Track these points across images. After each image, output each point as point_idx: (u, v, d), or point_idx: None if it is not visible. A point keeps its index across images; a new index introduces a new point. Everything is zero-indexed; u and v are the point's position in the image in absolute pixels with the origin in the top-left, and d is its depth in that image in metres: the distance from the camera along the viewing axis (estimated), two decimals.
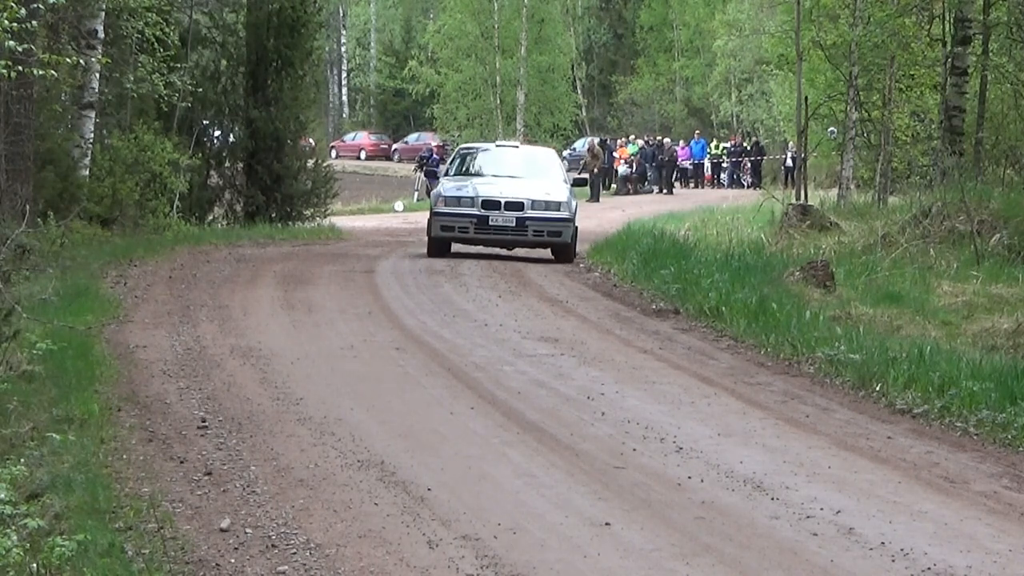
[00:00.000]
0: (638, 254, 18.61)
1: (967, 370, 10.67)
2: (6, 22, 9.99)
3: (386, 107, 76.33)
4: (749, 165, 53.64)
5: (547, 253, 20.86)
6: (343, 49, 78.29)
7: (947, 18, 27.33)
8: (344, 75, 79.32)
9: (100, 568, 6.12)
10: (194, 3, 27.85)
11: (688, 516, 7.32)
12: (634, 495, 7.70)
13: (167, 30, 24.14)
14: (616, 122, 65.71)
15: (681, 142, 56.13)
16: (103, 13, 22.39)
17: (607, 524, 7.09)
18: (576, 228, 20.87)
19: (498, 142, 26.17)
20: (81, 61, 17.62)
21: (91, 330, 12.25)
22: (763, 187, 41.25)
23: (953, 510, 7.59)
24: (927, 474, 8.41)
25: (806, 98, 29.08)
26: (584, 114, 65.36)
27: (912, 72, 30.09)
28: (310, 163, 28.66)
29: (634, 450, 8.75)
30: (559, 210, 20.49)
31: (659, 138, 55.01)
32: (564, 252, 20.54)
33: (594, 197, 44.03)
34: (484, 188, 20.72)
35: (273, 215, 27.13)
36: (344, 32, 78.47)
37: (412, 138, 68.87)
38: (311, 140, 30.33)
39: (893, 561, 6.64)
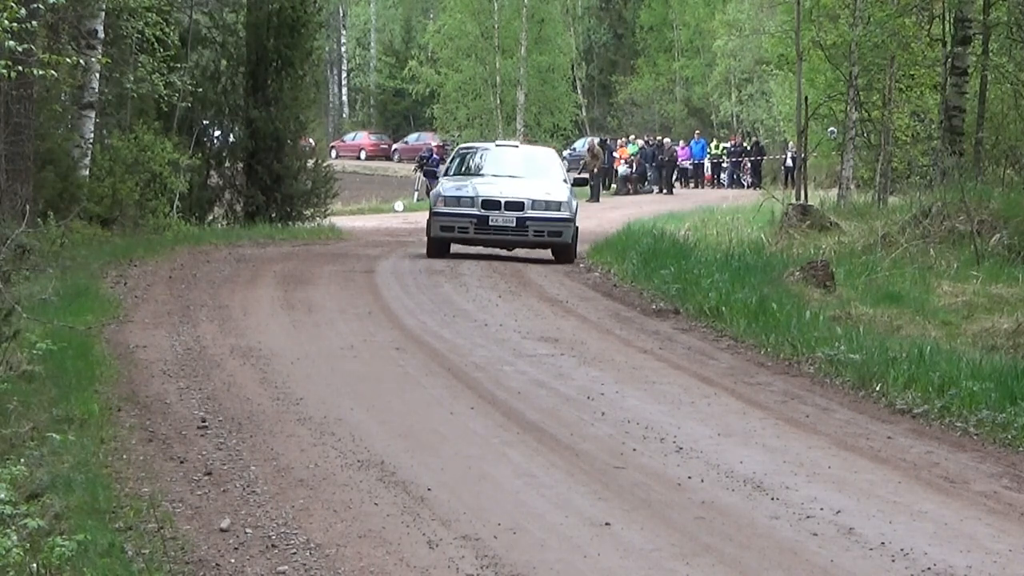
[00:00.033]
0: (638, 254, 18.61)
1: (967, 370, 10.67)
2: (6, 22, 9.99)
3: (386, 107, 76.33)
4: (749, 165, 53.64)
5: (547, 253, 20.82)
6: (343, 49, 78.29)
7: (947, 18, 27.33)
8: (344, 75, 79.32)
9: (100, 568, 6.12)
10: (194, 3, 27.85)
11: (688, 516, 7.32)
12: (634, 495, 7.70)
13: (167, 30, 24.14)
14: (616, 122, 65.71)
15: (681, 142, 56.14)
16: (103, 13, 22.39)
17: (607, 524, 7.09)
18: (577, 228, 20.82)
19: (498, 142, 26.12)
20: (81, 61, 17.62)
21: (91, 330, 12.25)
22: (763, 187, 41.25)
23: (953, 510, 7.60)
24: (927, 474, 8.41)
25: (806, 98, 29.09)
26: (584, 114, 65.36)
27: (912, 72, 30.09)
28: (310, 163, 28.66)
29: (634, 450, 8.75)
30: (559, 210, 20.43)
31: (659, 138, 55.02)
32: (564, 252, 20.48)
33: (594, 197, 44.04)
34: (484, 188, 20.66)
35: (273, 215, 27.13)
36: (344, 32, 78.47)
37: (412, 138, 68.87)
38: (311, 140, 30.33)
39: (893, 561, 6.64)
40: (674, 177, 52.67)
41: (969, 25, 24.88)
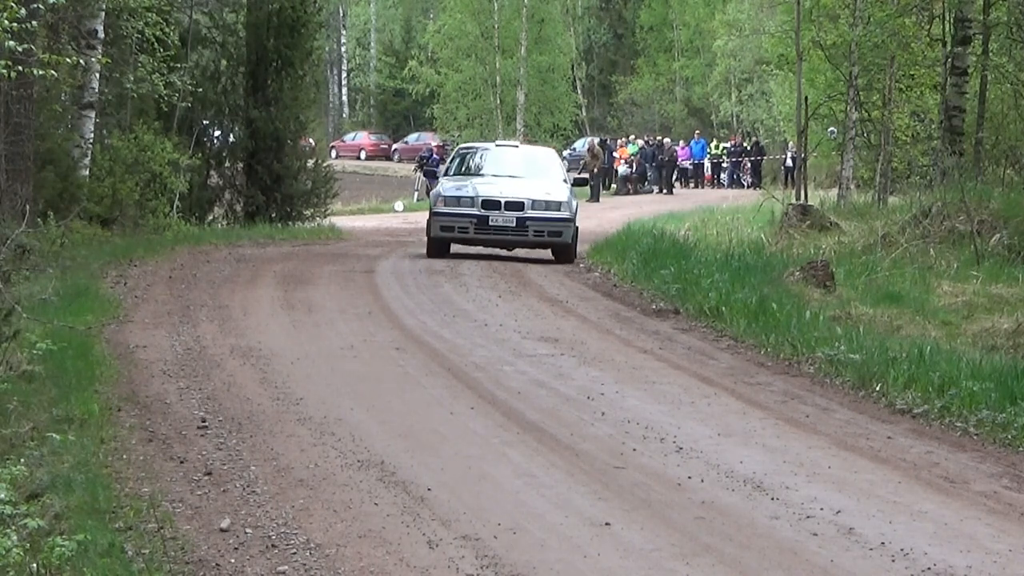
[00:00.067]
0: (638, 254, 18.61)
1: (967, 370, 10.67)
2: (6, 22, 9.99)
3: (386, 107, 76.33)
4: (749, 165, 53.64)
5: (547, 253, 20.79)
6: (343, 49, 78.29)
7: (947, 18, 27.33)
8: (344, 75, 79.31)
9: (100, 568, 6.12)
10: (194, 3, 27.85)
11: (688, 516, 7.32)
12: (634, 495, 7.70)
13: (167, 30, 24.14)
14: (616, 122, 65.71)
15: (681, 142, 56.13)
16: (103, 13, 22.39)
17: (607, 524, 7.09)
18: (577, 228, 20.78)
19: (498, 142, 26.09)
20: (81, 61, 17.62)
21: (91, 330, 12.25)
22: (763, 187, 41.25)
23: (953, 510, 7.60)
24: (927, 474, 8.41)
25: (806, 98, 29.09)
26: (584, 114, 65.37)
27: (912, 72, 30.09)
28: (310, 163, 28.66)
29: (634, 450, 8.75)
30: (560, 210, 20.39)
31: (659, 138, 55.02)
32: (565, 253, 20.44)
33: (594, 197, 44.04)
34: (484, 188, 20.62)
35: (273, 215, 27.13)
36: (344, 32, 78.47)
37: (412, 138, 68.87)
38: (311, 140, 30.33)
39: (893, 561, 6.64)
40: (674, 177, 52.67)
41: (969, 25, 24.88)
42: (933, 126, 29.01)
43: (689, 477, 8.10)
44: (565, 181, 21.48)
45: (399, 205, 43.08)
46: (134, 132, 23.81)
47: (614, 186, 51.40)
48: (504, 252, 20.93)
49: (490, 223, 20.25)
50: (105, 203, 22.24)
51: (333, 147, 64.01)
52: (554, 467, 8.27)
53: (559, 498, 7.58)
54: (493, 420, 9.56)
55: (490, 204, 20.31)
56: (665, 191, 50.82)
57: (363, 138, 72.24)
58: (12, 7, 10.05)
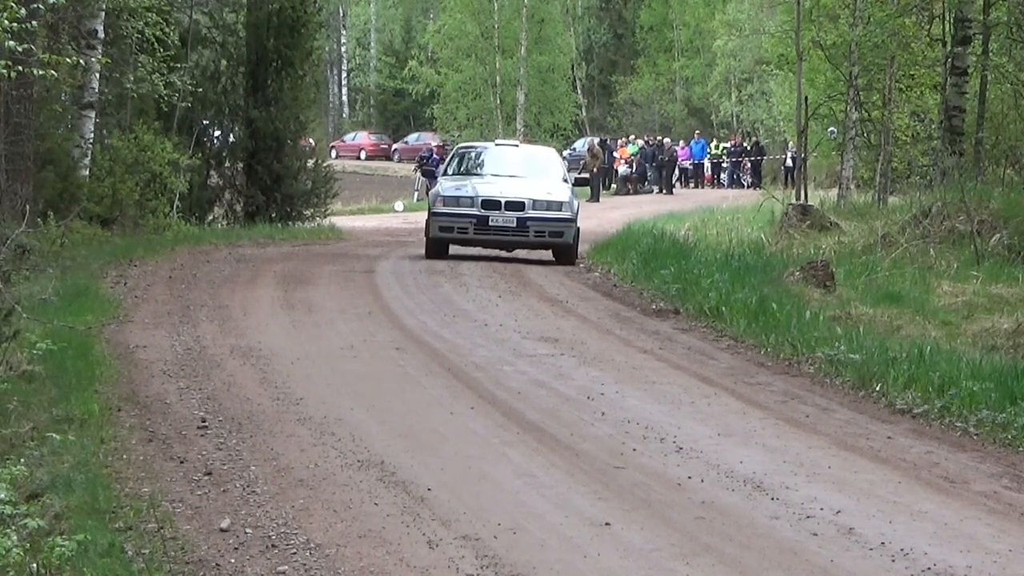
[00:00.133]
0: (638, 254, 18.61)
1: (967, 370, 10.67)
2: (6, 22, 9.99)
3: (386, 107, 76.33)
4: (749, 165, 53.65)
5: (547, 254, 20.70)
6: (343, 49, 78.29)
7: (947, 18, 27.33)
8: (344, 75, 79.31)
9: (100, 568, 6.12)
10: (194, 3, 27.85)
11: (688, 516, 7.32)
12: (634, 495, 7.70)
13: (167, 30, 24.14)
14: (616, 122, 65.71)
15: (681, 142, 56.14)
16: (103, 13, 22.39)
17: (607, 524, 7.09)
18: (578, 229, 20.60)
19: (497, 141, 25.96)
20: (81, 61, 17.62)
21: (91, 330, 12.25)
22: (763, 187, 41.25)
23: (953, 510, 7.59)
24: (927, 474, 8.41)
25: (806, 98, 29.09)
26: (584, 114, 65.37)
27: (912, 72, 30.10)
28: (310, 163, 28.67)
29: (634, 450, 8.75)
30: (561, 210, 20.21)
31: (659, 138, 55.02)
32: (566, 253, 20.27)
33: (594, 197, 44.04)
34: (484, 188, 20.45)
35: (273, 215, 27.14)
36: (344, 32, 78.47)
37: (412, 138, 68.86)
38: (311, 140, 30.33)
39: (893, 561, 6.64)
40: (674, 177, 52.66)
41: (969, 25, 24.88)
42: (933, 126, 29.01)
43: (689, 477, 8.10)
44: (566, 181, 21.31)
45: (399, 205, 43.08)
46: (134, 132, 23.81)
47: (614, 186, 51.40)
48: (504, 252, 20.85)
49: (490, 223, 20.07)
50: (105, 203, 22.24)
51: (333, 147, 64.02)
52: (554, 467, 8.27)
53: (559, 498, 7.58)
54: (493, 420, 9.56)
55: (490, 204, 20.15)
56: (665, 191, 50.82)
57: (363, 138, 72.25)
58: (12, 7, 10.05)
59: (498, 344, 12.70)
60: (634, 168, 52.14)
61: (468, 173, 21.39)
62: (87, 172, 22.37)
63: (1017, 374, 10.41)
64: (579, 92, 64.79)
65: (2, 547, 6.02)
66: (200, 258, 19.51)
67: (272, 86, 27.54)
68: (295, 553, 6.59)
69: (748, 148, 54.63)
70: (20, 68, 10.88)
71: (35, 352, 10.10)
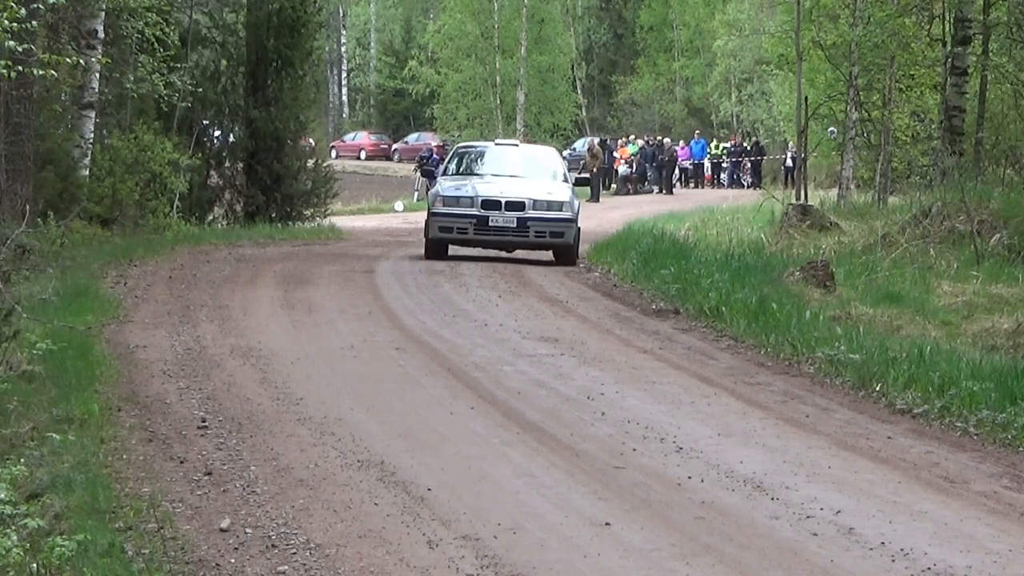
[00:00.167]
0: (638, 254, 18.61)
1: (967, 370, 10.67)
2: (6, 22, 9.99)
3: (386, 107, 76.33)
4: (749, 165, 53.65)
5: (547, 254, 20.65)
6: (343, 49, 78.29)
7: (947, 18, 27.34)
8: (344, 75, 79.32)
9: (100, 568, 6.12)
10: (194, 3, 27.85)
11: (688, 516, 7.32)
12: (634, 495, 7.70)
13: (167, 30, 24.14)
14: (616, 122, 65.71)
15: (681, 142, 56.14)
16: (103, 13, 22.39)
17: (607, 524, 7.09)
18: (579, 229, 20.53)
19: (497, 140, 25.91)
20: (81, 61, 17.62)
21: (91, 330, 12.25)
22: (763, 187, 41.25)
23: (953, 510, 7.60)
24: (927, 474, 8.41)
25: (806, 98, 29.09)
26: (584, 114, 65.37)
27: (912, 72, 30.10)
28: (310, 163, 28.67)
29: (634, 450, 8.75)
30: (561, 210, 20.11)
31: (659, 138, 55.02)
32: (566, 253, 20.19)
33: (594, 197, 44.04)
34: (484, 188, 20.36)
35: (273, 215, 27.14)
36: (344, 32, 78.47)
37: (412, 138, 68.86)
38: (311, 140, 30.33)
39: (893, 561, 6.64)
40: (674, 177, 52.66)
41: (969, 25, 24.88)
42: (933, 126, 29.01)
43: (689, 477, 8.10)
44: (566, 180, 21.23)
45: (399, 205, 43.08)
46: (134, 132, 23.82)
47: (614, 186, 51.40)
48: (504, 253, 20.82)
49: (490, 224, 19.98)
50: (105, 203, 22.25)
51: (333, 147, 64.02)
52: (554, 467, 8.27)
53: (559, 498, 7.58)
54: (493, 420, 9.56)
55: (490, 204, 20.07)
56: (665, 191, 50.81)
57: (363, 138, 72.25)
58: (12, 7, 10.05)
59: (498, 344, 12.70)
60: (634, 168, 52.14)
61: (468, 173, 21.32)
62: (87, 172, 22.37)
63: (1017, 374, 10.41)
64: (579, 92, 64.80)
65: (2, 547, 6.02)
66: (200, 258, 19.51)
67: (272, 86, 27.54)
68: (295, 553, 6.59)
69: (748, 148, 54.63)
70: (20, 68, 10.88)
71: (35, 352, 10.10)
